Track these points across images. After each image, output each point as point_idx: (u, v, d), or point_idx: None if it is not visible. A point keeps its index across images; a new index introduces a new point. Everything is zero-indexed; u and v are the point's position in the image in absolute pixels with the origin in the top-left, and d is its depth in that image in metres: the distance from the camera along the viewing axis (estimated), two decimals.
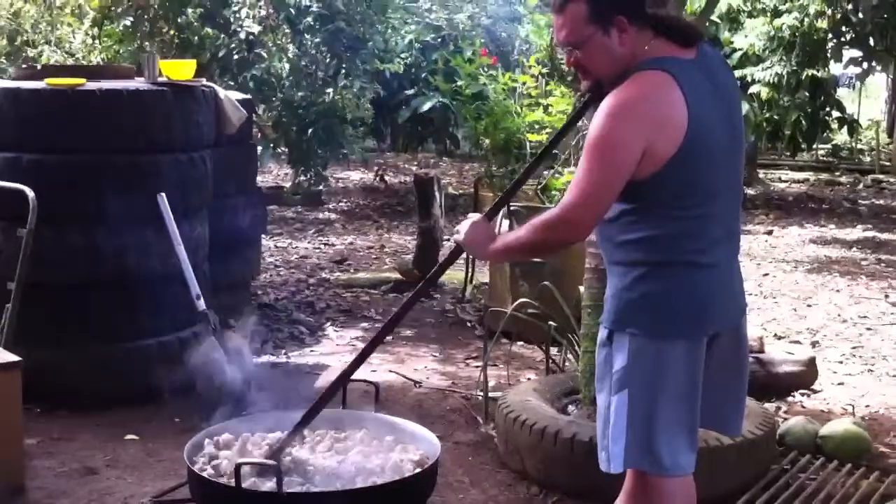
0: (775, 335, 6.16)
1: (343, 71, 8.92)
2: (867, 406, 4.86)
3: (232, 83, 8.38)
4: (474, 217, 2.82)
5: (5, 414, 3.56)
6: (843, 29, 12.11)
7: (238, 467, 2.37)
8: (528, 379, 4.81)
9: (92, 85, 4.51)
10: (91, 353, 4.50)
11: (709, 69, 2.61)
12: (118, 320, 4.56)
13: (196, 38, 8.42)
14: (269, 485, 2.46)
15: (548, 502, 3.63)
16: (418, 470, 2.60)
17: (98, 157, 4.48)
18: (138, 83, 4.74)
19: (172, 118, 4.67)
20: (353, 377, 3.02)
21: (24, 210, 4.25)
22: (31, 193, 4.09)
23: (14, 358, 3.63)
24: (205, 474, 2.51)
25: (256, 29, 8.25)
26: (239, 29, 8.36)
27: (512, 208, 5.95)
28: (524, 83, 7.42)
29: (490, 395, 4.52)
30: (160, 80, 4.76)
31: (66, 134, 4.44)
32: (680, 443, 2.65)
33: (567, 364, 4.78)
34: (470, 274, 6.95)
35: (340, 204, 12.03)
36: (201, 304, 4.53)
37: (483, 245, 2.75)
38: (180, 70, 4.84)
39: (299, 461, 2.62)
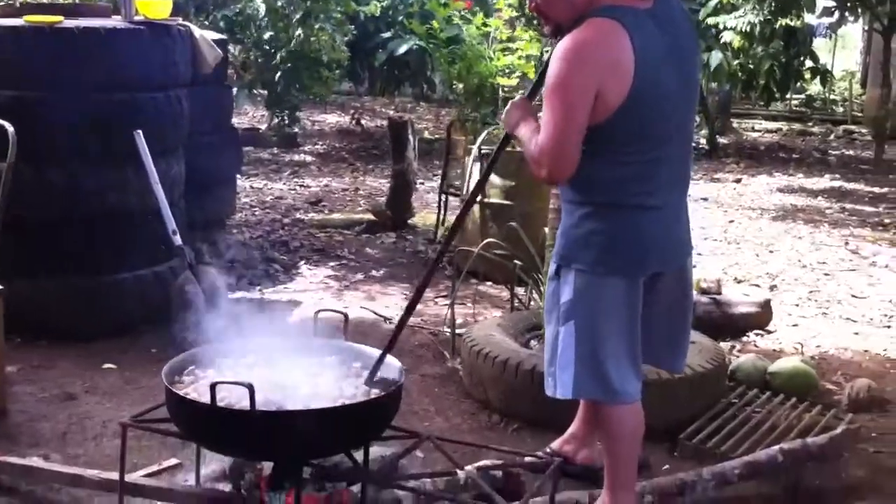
0: (735, 279, 6.36)
1: (315, 14, 8.93)
2: (818, 346, 5.07)
3: (205, 23, 8.39)
4: (515, 99, 2.98)
5: None
6: None
7: (213, 386, 2.52)
8: (494, 316, 4.99)
9: (70, 22, 4.57)
10: (70, 287, 4.62)
11: (664, 19, 2.74)
12: (96, 255, 4.68)
13: None
14: (242, 403, 2.62)
15: (508, 430, 3.83)
16: (385, 391, 2.76)
17: (76, 94, 4.54)
18: (115, 21, 4.80)
19: (149, 57, 4.74)
20: (323, 308, 3.23)
21: (2, 145, 4.34)
22: (10, 128, 4.17)
23: None
24: (182, 394, 2.67)
25: None
26: None
27: (483, 152, 6.09)
28: (496, 27, 7.49)
29: (457, 331, 4.69)
30: (137, 18, 4.82)
31: (45, 71, 4.50)
32: (626, 371, 2.84)
33: (532, 302, 4.95)
34: (442, 216, 7.09)
35: (316, 146, 12.09)
36: (177, 240, 4.66)
37: (511, 121, 2.89)
38: (156, 9, 4.90)
39: (271, 384, 2.78)
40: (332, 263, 6.39)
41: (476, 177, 6.15)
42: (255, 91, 10.82)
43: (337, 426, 2.64)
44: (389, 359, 3.00)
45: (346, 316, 3.24)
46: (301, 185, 9.45)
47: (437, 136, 12.77)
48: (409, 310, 3.14)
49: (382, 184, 9.60)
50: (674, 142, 2.82)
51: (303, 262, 6.37)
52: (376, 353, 3.07)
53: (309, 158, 11.16)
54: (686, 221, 2.97)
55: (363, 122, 14.03)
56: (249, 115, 13.87)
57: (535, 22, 6.56)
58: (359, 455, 2.86)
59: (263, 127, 12.33)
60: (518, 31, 7.04)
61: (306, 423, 2.59)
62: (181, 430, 2.79)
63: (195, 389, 2.79)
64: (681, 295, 3.02)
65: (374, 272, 6.22)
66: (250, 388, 2.50)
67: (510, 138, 3.04)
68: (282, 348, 3.15)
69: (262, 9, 9.15)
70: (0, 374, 3.78)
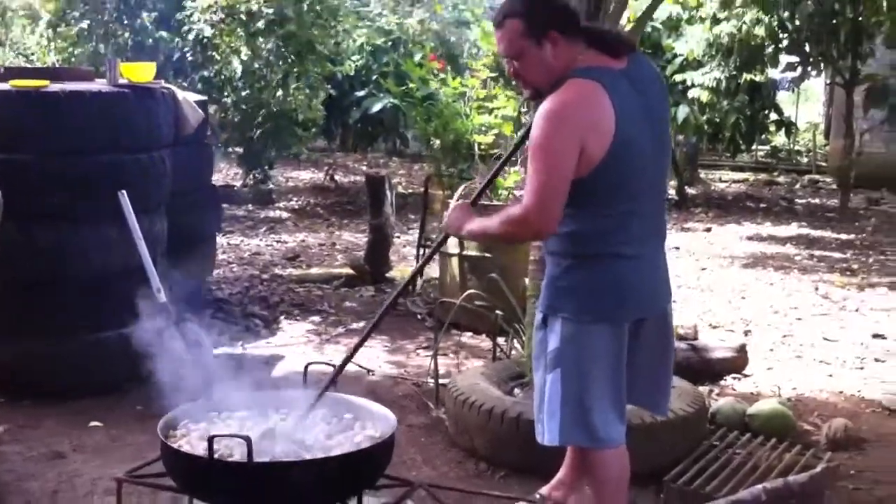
0: (710, 325, 6.48)
1: (295, 73, 9.12)
2: (794, 388, 5.18)
3: (184, 84, 8.52)
4: (458, 201, 3.12)
5: None
6: (780, 35, 12.53)
7: (211, 439, 2.57)
8: (477, 365, 5.05)
9: (56, 87, 4.66)
10: (54, 346, 4.63)
11: (637, 79, 2.89)
12: (81, 313, 4.70)
13: (150, 40, 8.57)
14: (237, 456, 2.68)
15: (496, 477, 3.88)
16: (378, 441, 2.82)
17: (62, 156, 4.62)
18: (100, 85, 4.90)
19: (134, 119, 4.83)
20: (313, 361, 3.31)
21: None
22: None
23: None
24: (177, 447, 2.71)
25: (209, 32, 8.41)
26: (191, 32, 8.51)
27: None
28: (472, 87, 7.67)
29: (440, 381, 4.75)
30: (121, 81, 4.92)
31: (32, 134, 4.58)
32: (610, 417, 2.93)
33: (513, 351, 5.03)
34: (420, 270, 7.16)
35: (291, 202, 12.17)
36: (162, 297, 4.70)
37: (459, 226, 3.05)
38: (140, 72, 5.01)
39: (266, 436, 2.83)
40: (312, 318, 6.44)
41: None
42: (230, 149, 10.93)
43: (332, 476, 2.70)
44: (382, 409, 3.09)
45: (335, 367, 3.31)
46: (278, 241, 9.52)
47: (410, 190, 12.93)
48: (358, 346, 3.34)
49: (359, 238, 9.69)
50: (646, 196, 2.95)
51: (283, 317, 6.42)
52: (366, 403, 3.15)
53: (284, 215, 11.23)
54: (665, 270, 3.09)
55: (337, 177, 14.16)
56: (223, 173, 13.96)
57: (512, 83, 6.74)
58: None
59: (238, 184, 12.42)
60: (496, 89, 7.22)
61: (302, 474, 2.65)
62: (177, 484, 2.83)
63: (188, 443, 2.85)
64: (663, 340, 3.13)
65: (354, 325, 6.28)
66: (248, 440, 2.57)
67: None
68: (273, 401, 3.21)
69: (239, 70, 9.29)
70: None
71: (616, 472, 3.03)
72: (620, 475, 3.04)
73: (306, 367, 3.30)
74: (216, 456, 2.62)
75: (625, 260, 2.89)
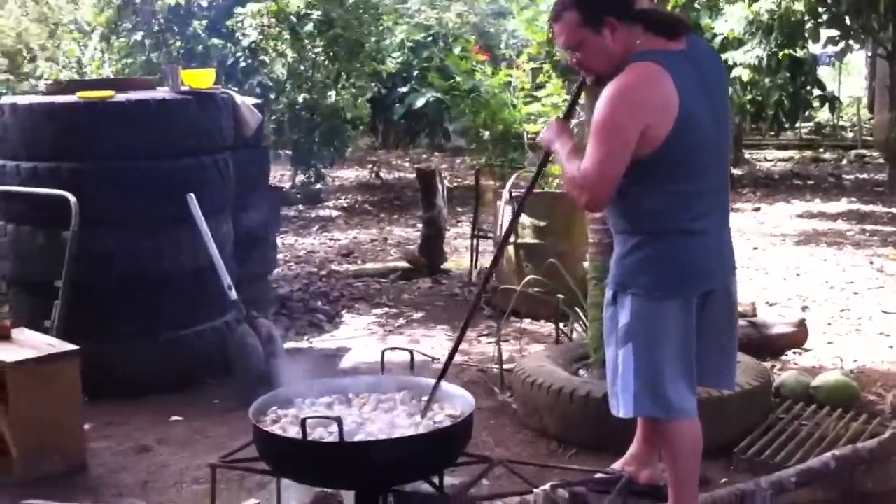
0: (767, 302, 6.52)
1: (343, 74, 9.28)
2: (855, 361, 5.22)
3: (236, 89, 8.71)
4: (552, 119, 3.25)
5: (66, 399, 3.90)
6: (820, 10, 12.45)
7: (304, 421, 2.70)
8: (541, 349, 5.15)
9: (121, 96, 4.84)
10: (133, 344, 4.81)
11: (696, 58, 2.98)
12: (157, 312, 4.88)
13: (201, 47, 8.77)
14: (328, 438, 2.81)
15: (567, 455, 3.98)
16: (459, 419, 2.94)
17: (130, 162, 4.79)
18: (163, 93, 5.06)
19: (197, 124, 5.00)
20: (389, 347, 3.45)
21: (65, 215, 4.58)
22: (72, 198, 4.41)
23: (72, 347, 3.96)
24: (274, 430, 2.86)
25: (257, 37, 8.60)
26: (242, 37, 8.70)
27: (514, 195, 6.31)
28: (517, 77, 7.76)
29: (504, 367, 4.86)
30: (183, 88, 5.08)
31: (101, 143, 4.75)
32: (682, 388, 3.03)
33: (574, 334, 5.13)
34: (475, 259, 7.29)
35: (340, 201, 12.34)
36: (233, 294, 4.86)
37: (552, 139, 3.12)
38: (201, 79, 5.17)
39: (351, 418, 2.96)
40: (373, 311, 6.58)
41: (508, 219, 6.38)
42: (278, 151, 11.11)
43: (418, 453, 2.82)
44: (459, 390, 3.20)
45: (412, 353, 3.42)
46: (330, 239, 9.68)
47: (454, 183, 13.04)
48: (458, 343, 3.41)
49: (409, 232, 9.83)
50: (710, 172, 3.04)
51: (345, 311, 6.56)
52: (444, 385, 3.26)
53: (334, 213, 11.40)
54: (729, 245, 3.17)
55: (382, 174, 14.31)
56: (272, 175, 14.15)
57: (559, 71, 6.82)
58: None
59: (287, 185, 12.61)
60: (542, 77, 7.30)
61: (391, 452, 2.77)
62: (271, 467, 2.96)
63: (280, 427, 2.98)
64: (728, 314, 3.21)
65: (414, 316, 6.41)
66: (339, 420, 2.69)
67: (536, 179, 3.37)
68: (352, 387, 3.34)
69: (284, 73, 9.44)
70: (79, 431, 3.97)
71: (689, 444, 3.12)
72: (694, 446, 3.12)
73: (383, 354, 3.41)
74: (309, 438, 2.75)
75: (691, 235, 2.98)
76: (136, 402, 4.68)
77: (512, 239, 6.34)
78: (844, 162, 15.57)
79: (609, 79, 2.93)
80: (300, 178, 11.47)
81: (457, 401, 3.16)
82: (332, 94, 9.23)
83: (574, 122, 3.37)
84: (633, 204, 2.98)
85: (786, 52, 12.59)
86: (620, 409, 3.09)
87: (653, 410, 3.07)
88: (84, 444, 4.01)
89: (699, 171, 2.98)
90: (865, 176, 13.91)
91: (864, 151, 16.39)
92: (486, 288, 3.54)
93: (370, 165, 14.70)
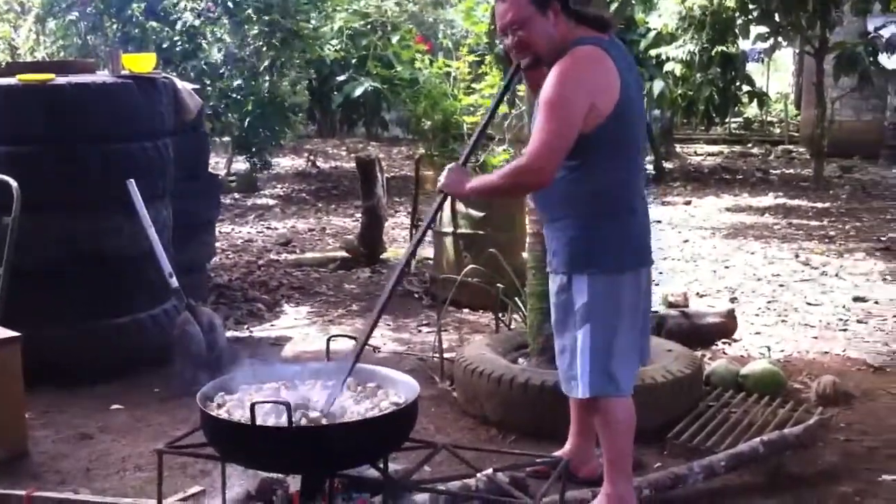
0: (697, 294, 6.70)
1: (280, 60, 9.24)
2: (782, 351, 5.41)
3: (173, 73, 8.62)
4: (450, 165, 3.33)
5: (8, 385, 3.86)
6: (751, 7, 12.76)
7: (253, 406, 2.74)
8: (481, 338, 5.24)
9: (61, 79, 4.78)
10: (71, 332, 4.76)
11: (621, 48, 3.21)
12: (95, 299, 4.84)
13: (137, 31, 8.65)
14: (275, 423, 2.85)
15: (507, 441, 4.07)
16: (405, 404, 3.00)
17: (70, 146, 4.75)
18: (104, 76, 5.02)
19: (138, 109, 4.96)
20: (335, 335, 3.48)
21: (6, 199, 4.51)
22: (14, 183, 4.35)
23: (13, 333, 3.93)
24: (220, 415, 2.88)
25: (197, 21, 8.51)
26: (179, 22, 8.61)
27: None
28: (457, 68, 7.82)
29: (444, 355, 4.93)
30: (123, 73, 5.04)
31: (41, 126, 4.70)
32: (633, 365, 3.23)
33: (513, 324, 5.22)
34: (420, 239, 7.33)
35: (276, 189, 12.30)
36: (174, 282, 4.85)
37: (460, 185, 3.26)
38: (142, 63, 5.13)
39: (300, 404, 3.00)
40: (313, 300, 6.61)
41: (447, 209, 6.45)
42: (214, 138, 11.03)
43: (366, 438, 2.87)
44: (404, 377, 3.26)
45: (357, 340, 3.47)
46: (268, 228, 9.66)
47: (391, 173, 13.07)
48: (374, 323, 3.41)
49: (347, 222, 9.86)
50: (639, 155, 3.30)
51: (284, 301, 6.57)
52: (389, 372, 3.33)
53: (271, 202, 11.37)
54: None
55: (318, 163, 14.28)
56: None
57: (499, 62, 6.89)
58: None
59: (222, 172, 12.52)
60: (484, 68, 7.36)
61: (340, 437, 2.82)
62: (219, 452, 2.99)
63: (227, 412, 3.01)
64: (650, 289, 3.40)
65: (353, 306, 6.45)
66: (288, 405, 2.73)
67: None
68: (298, 374, 3.37)
69: (220, 58, 9.37)
70: (20, 417, 3.94)
71: (629, 420, 3.26)
72: (632, 424, 3.27)
73: (328, 341, 3.46)
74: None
75: (633, 214, 3.19)
76: (75, 389, 4.65)
77: (451, 229, 6.42)
78: (772, 157, 16.00)
79: (546, 63, 3.11)
80: (241, 165, 11.39)
81: (401, 387, 3.22)
82: (268, 79, 9.17)
83: (514, 112, 3.46)
84: (580, 187, 3.12)
85: (717, 48, 12.87)
86: (580, 390, 3.20)
87: (606, 389, 3.18)
88: (25, 431, 3.98)
89: (633, 152, 3.21)
90: (792, 171, 14.31)
91: (790, 147, 16.85)
92: (408, 267, 3.59)
93: (306, 154, 14.66)
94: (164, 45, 8.68)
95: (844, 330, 5.86)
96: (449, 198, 3.52)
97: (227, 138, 10.53)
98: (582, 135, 3.01)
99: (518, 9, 3.11)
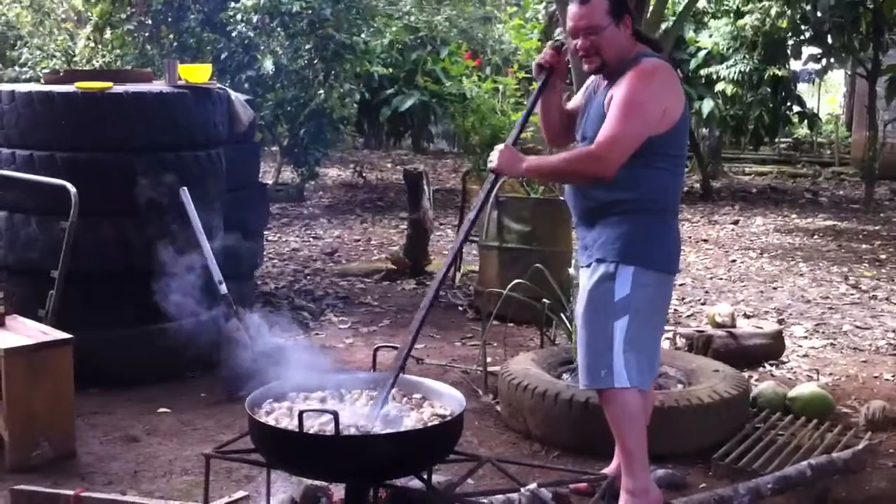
0: (744, 314, 6.64)
1: (331, 74, 9.34)
2: (830, 374, 5.34)
3: (227, 84, 8.75)
4: (499, 146, 3.36)
5: (59, 386, 3.93)
6: (803, 28, 12.65)
7: (301, 414, 2.77)
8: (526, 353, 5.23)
9: (119, 88, 4.88)
10: (121, 336, 4.85)
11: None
12: (146, 305, 4.87)
13: (193, 41, 8.79)
14: (325, 430, 2.88)
15: (549, 456, 4.07)
16: (452, 416, 3.01)
17: (126, 154, 4.84)
18: (160, 86, 5.11)
19: (193, 118, 5.05)
20: (382, 345, 3.51)
21: (61, 204, 4.61)
22: (72, 189, 4.44)
23: (66, 335, 4.00)
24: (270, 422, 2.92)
25: (252, 33, 8.64)
26: (235, 33, 8.73)
27: (499, 199, 6.41)
28: (505, 84, 7.85)
29: (488, 369, 4.94)
30: (179, 82, 5.13)
31: (97, 133, 4.80)
32: (653, 364, 3.37)
33: (558, 340, 5.21)
34: (459, 262, 7.37)
35: (322, 200, 12.39)
36: (223, 289, 4.92)
37: (516, 164, 3.29)
38: (198, 73, 5.22)
39: (345, 413, 3.02)
40: (357, 310, 6.64)
41: (494, 222, 6.47)
42: (265, 148, 11.16)
43: (413, 449, 2.89)
44: (449, 389, 3.28)
45: (400, 353, 3.49)
46: (314, 237, 9.72)
47: (436, 186, 13.11)
48: (418, 332, 3.38)
49: (392, 234, 9.90)
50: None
51: (329, 310, 6.61)
52: (434, 384, 3.34)
53: (317, 211, 11.44)
54: None
55: (364, 174, 14.36)
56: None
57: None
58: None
59: (270, 182, 12.64)
60: (534, 84, 7.36)
61: (385, 447, 2.83)
62: (265, 458, 3.02)
63: (275, 419, 3.04)
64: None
65: (398, 317, 6.48)
66: (335, 414, 2.76)
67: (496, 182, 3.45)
68: (344, 383, 3.40)
69: (272, 69, 9.48)
70: (70, 418, 4.01)
71: (641, 410, 3.35)
72: (645, 413, 3.41)
73: (375, 352, 3.49)
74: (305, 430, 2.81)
75: (676, 217, 3.38)
76: (123, 392, 4.73)
77: (497, 243, 6.44)
78: (822, 178, 15.78)
79: (611, 70, 3.26)
80: (289, 174, 11.51)
81: (446, 399, 3.24)
82: (321, 92, 9.28)
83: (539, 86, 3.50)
84: (640, 185, 3.23)
85: (769, 68, 12.78)
86: (615, 380, 3.26)
87: (634, 380, 3.27)
88: (74, 432, 4.05)
89: (683, 161, 3.39)
90: (842, 193, 14.12)
91: (840, 169, 16.61)
92: (448, 283, 3.62)
93: (353, 165, 14.75)
94: (220, 56, 8.81)
95: (894, 355, 5.77)
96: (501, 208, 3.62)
97: (275, 148, 10.63)
98: (650, 138, 3.16)
99: (596, 16, 3.23)
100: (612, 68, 3.26)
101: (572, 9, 3.30)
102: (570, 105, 3.61)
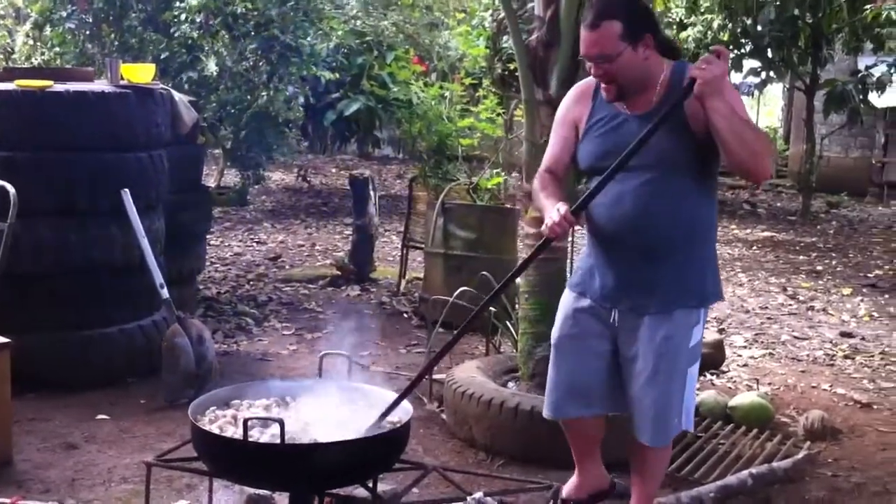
0: None
1: (276, 76, 9.26)
2: (769, 384, 5.42)
3: (170, 85, 8.63)
4: (707, 55, 2.89)
5: None
6: (743, 41, 12.88)
7: (246, 422, 2.72)
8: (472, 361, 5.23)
9: (60, 87, 4.77)
10: (59, 340, 4.74)
11: None
12: (84, 309, 4.81)
13: (135, 40, 8.65)
14: (267, 439, 2.84)
15: (495, 465, 4.06)
16: (398, 425, 2.99)
17: (65, 154, 4.74)
18: (102, 85, 5.01)
19: (134, 119, 4.96)
20: (328, 352, 3.45)
21: (2, 205, 4.48)
22: (11, 189, 4.32)
23: (3, 339, 3.90)
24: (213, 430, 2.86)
25: (195, 33, 8.52)
26: (178, 33, 8.61)
27: (446, 206, 6.40)
28: (452, 91, 7.86)
29: (433, 377, 4.91)
30: (122, 82, 5.04)
31: (37, 133, 4.69)
32: None
33: (503, 348, 5.22)
34: (404, 269, 7.35)
35: (265, 204, 12.28)
36: (164, 293, 4.83)
37: (722, 80, 2.79)
38: (141, 73, 5.13)
39: (290, 421, 2.98)
40: (301, 316, 6.58)
41: (440, 229, 6.44)
42: (208, 149, 11.02)
43: (358, 458, 2.86)
44: (394, 396, 3.24)
45: (349, 358, 3.46)
46: (257, 242, 9.63)
47: (382, 192, 13.06)
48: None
49: (337, 239, 9.84)
50: None
51: (272, 316, 6.54)
52: (379, 391, 3.31)
53: (260, 216, 11.34)
54: None
55: (309, 179, 14.26)
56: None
57: (497, 86, 6.92)
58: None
59: (213, 185, 12.49)
60: (481, 91, 7.40)
61: (330, 456, 2.80)
62: (209, 466, 2.97)
63: (219, 427, 2.99)
64: None
65: (342, 324, 6.41)
66: (281, 422, 2.72)
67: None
68: (289, 391, 3.36)
69: (216, 70, 9.37)
70: (7, 424, 3.90)
71: None
72: None
73: (321, 359, 3.44)
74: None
75: None
76: (61, 398, 4.62)
77: (442, 250, 6.43)
78: (759, 190, 16.06)
79: (630, 92, 2.93)
80: (232, 178, 11.38)
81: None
82: (265, 94, 9.18)
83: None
84: (713, 207, 3.05)
85: None
86: (685, 424, 3.10)
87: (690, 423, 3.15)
88: (11, 438, 3.94)
89: None
90: (780, 205, 14.40)
91: (778, 181, 16.93)
92: (394, 290, 3.52)
93: (297, 169, 14.64)
94: (162, 56, 8.68)
95: (832, 365, 5.88)
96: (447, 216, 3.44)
97: (218, 151, 10.50)
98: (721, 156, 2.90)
99: (608, 43, 2.87)
100: (635, 93, 2.94)
101: (582, 34, 2.93)
102: (555, 148, 3.20)
